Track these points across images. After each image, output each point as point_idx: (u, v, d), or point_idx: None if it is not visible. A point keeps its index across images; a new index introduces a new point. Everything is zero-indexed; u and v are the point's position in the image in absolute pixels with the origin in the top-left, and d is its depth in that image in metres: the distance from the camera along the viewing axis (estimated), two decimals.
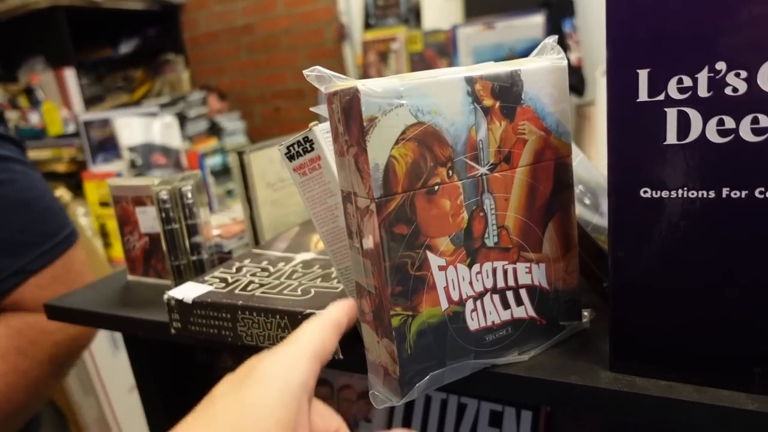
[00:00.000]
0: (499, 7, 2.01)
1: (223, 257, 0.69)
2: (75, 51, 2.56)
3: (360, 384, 0.69)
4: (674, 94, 0.32)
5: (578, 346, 0.43)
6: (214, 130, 2.66)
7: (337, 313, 0.38)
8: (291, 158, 0.45)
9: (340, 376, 0.71)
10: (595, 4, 1.95)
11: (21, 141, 0.80)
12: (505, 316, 0.41)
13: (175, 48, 2.99)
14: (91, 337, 0.84)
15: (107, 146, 2.02)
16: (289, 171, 0.46)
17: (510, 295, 0.41)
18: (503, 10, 1.99)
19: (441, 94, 0.36)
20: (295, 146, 0.44)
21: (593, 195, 0.55)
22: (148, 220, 0.67)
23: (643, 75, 0.32)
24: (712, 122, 0.31)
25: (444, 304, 0.38)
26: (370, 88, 0.33)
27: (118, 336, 1.41)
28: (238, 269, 0.57)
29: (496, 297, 0.40)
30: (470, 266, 0.39)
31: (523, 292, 0.42)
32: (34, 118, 2.47)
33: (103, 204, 1.79)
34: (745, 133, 0.30)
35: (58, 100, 2.50)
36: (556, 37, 0.41)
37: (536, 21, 1.91)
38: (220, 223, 0.78)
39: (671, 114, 0.32)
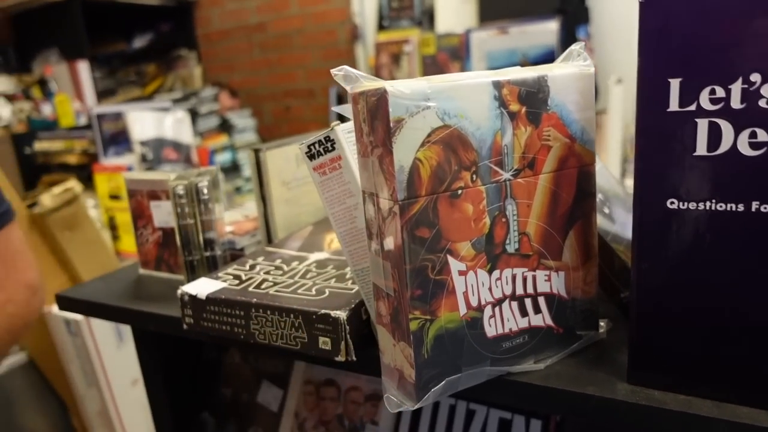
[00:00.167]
0: (513, 12, 2.00)
1: (235, 254, 0.69)
2: (89, 44, 2.57)
3: (367, 386, 0.68)
4: (706, 104, 0.31)
5: (595, 357, 0.42)
6: (225, 126, 2.67)
7: None
8: (311, 157, 0.45)
9: (347, 377, 0.70)
10: (611, 12, 1.95)
11: None
12: (523, 323, 0.41)
13: (188, 44, 3.00)
14: (32, 316, 0.83)
15: (119, 139, 2.03)
16: (308, 170, 0.45)
17: (528, 302, 0.41)
18: (518, 15, 1.98)
19: (468, 98, 0.35)
20: (316, 145, 0.44)
21: (610, 204, 0.55)
22: (162, 214, 0.67)
23: (674, 84, 0.32)
24: (745, 134, 0.30)
25: (462, 310, 0.38)
26: (398, 89, 0.33)
27: (123, 329, 1.42)
28: (252, 267, 0.57)
29: (514, 304, 0.40)
30: (490, 272, 0.39)
31: (541, 300, 0.41)
32: (46, 110, 2.48)
33: (113, 197, 1.79)
34: None
35: (71, 92, 2.51)
36: (583, 43, 0.41)
37: (551, 27, 1.90)
38: (232, 219, 0.78)
39: (702, 125, 0.32)
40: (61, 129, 2.27)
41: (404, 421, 0.64)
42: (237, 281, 0.54)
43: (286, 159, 0.70)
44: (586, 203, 0.42)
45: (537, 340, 0.41)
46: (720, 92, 0.31)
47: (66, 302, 0.67)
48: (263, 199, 0.68)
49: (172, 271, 0.69)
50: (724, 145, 0.31)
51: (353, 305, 0.45)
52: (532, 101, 0.38)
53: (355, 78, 0.35)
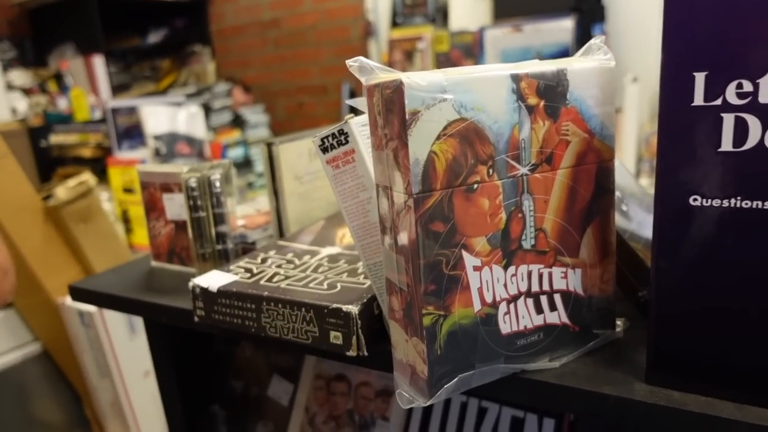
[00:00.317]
0: (528, 10, 1.98)
1: (246, 248, 0.69)
2: (104, 39, 2.59)
3: (378, 382, 0.68)
4: (732, 99, 0.30)
5: (611, 356, 0.42)
6: (238, 122, 2.68)
7: None
8: (325, 150, 0.44)
9: (358, 372, 0.70)
10: (627, 10, 1.92)
11: None
12: (538, 321, 0.40)
13: (202, 40, 3.01)
14: (2, 297, 0.83)
15: (133, 133, 2.05)
16: (321, 163, 0.45)
17: (544, 299, 0.40)
18: (532, 12, 1.96)
19: (485, 91, 0.35)
20: (330, 138, 0.44)
21: (628, 202, 0.54)
22: (174, 207, 0.67)
23: (699, 78, 0.31)
24: None
25: (477, 306, 0.37)
26: (415, 81, 0.33)
27: (136, 321, 1.43)
28: (264, 260, 0.57)
29: (529, 301, 0.39)
30: (506, 268, 0.38)
31: (557, 297, 0.40)
32: (62, 103, 2.51)
33: (127, 190, 1.81)
34: None
35: (86, 86, 2.53)
36: (603, 37, 0.40)
37: (565, 25, 1.88)
38: (244, 213, 0.78)
39: (728, 120, 0.31)
40: (76, 123, 2.29)
41: (415, 417, 0.64)
42: (248, 274, 0.53)
43: (298, 153, 0.70)
44: (605, 200, 0.41)
45: (552, 338, 0.41)
46: (747, 86, 0.30)
47: (79, 293, 0.67)
48: (275, 193, 0.68)
49: (184, 263, 0.69)
50: (751, 141, 0.30)
51: (365, 300, 0.45)
52: (550, 95, 0.37)
53: (370, 69, 0.35)
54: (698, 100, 0.31)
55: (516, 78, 0.36)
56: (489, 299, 0.38)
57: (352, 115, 0.43)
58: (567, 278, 0.40)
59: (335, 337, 0.45)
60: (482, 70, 0.35)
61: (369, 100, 0.36)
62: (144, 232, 1.85)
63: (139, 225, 1.83)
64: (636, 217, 0.54)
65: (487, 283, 0.37)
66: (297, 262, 0.56)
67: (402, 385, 0.40)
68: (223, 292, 0.51)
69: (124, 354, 1.51)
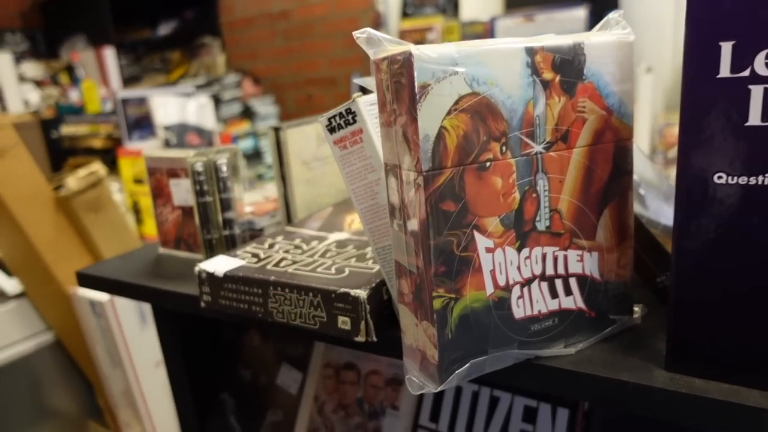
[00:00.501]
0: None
1: (254, 234, 0.68)
2: (115, 31, 2.60)
3: (388, 370, 0.67)
4: (761, 69, 0.29)
5: (629, 343, 0.40)
6: (247, 113, 2.67)
7: None
8: (332, 130, 0.43)
9: (368, 361, 0.69)
10: None
11: None
12: (553, 305, 0.39)
13: (212, 31, 3.01)
14: None
15: (143, 124, 2.05)
16: (329, 144, 0.44)
17: (559, 283, 0.39)
18: (545, 2, 1.93)
19: (499, 64, 0.33)
20: (337, 118, 0.42)
21: (645, 190, 0.52)
22: (181, 192, 0.67)
23: (726, 48, 0.29)
24: None
25: (489, 289, 0.36)
26: (425, 53, 0.31)
27: (147, 311, 1.43)
28: (271, 245, 0.56)
29: (544, 284, 0.38)
30: (519, 250, 0.37)
31: (572, 281, 0.39)
32: (73, 95, 2.52)
33: (137, 181, 1.81)
34: None
35: (98, 78, 2.54)
36: (622, 11, 0.39)
37: (578, 15, 1.85)
38: (252, 200, 0.77)
39: (756, 92, 0.29)
40: (87, 114, 2.30)
41: (425, 406, 0.63)
42: (255, 259, 0.52)
43: (306, 138, 0.68)
44: (623, 181, 0.39)
45: (567, 324, 0.39)
46: None
47: (86, 279, 0.67)
48: (283, 178, 0.67)
49: (191, 250, 0.68)
50: None
51: (374, 284, 0.44)
52: (566, 70, 0.36)
53: (378, 41, 0.34)
54: (724, 71, 0.30)
55: (531, 51, 0.34)
56: (502, 282, 0.36)
57: (360, 93, 0.42)
58: (583, 261, 0.39)
59: (343, 322, 0.44)
60: (496, 42, 0.34)
61: (377, 75, 0.35)
62: (154, 222, 1.86)
63: (150, 215, 1.84)
64: (652, 205, 0.52)
65: (500, 265, 0.36)
66: (305, 247, 0.55)
67: (412, 370, 0.39)
68: (230, 277, 0.50)
69: (136, 344, 1.52)
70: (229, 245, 0.63)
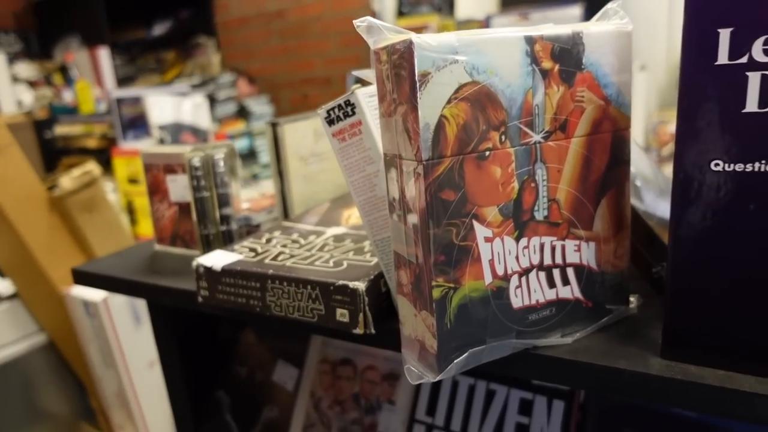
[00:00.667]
0: None
1: (251, 230, 0.68)
2: (109, 31, 2.59)
3: (384, 365, 0.67)
4: (759, 56, 0.29)
5: (625, 332, 0.40)
6: (243, 113, 2.67)
7: None
8: (331, 123, 0.43)
9: (364, 356, 0.69)
10: None
11: None
12: (550, 295, 0.39)
13: (207, 31, 3.00)
14: None
15: (138, 123, 2.04)
16: (327, 136, 0.44)
17: (557, 273, 0.39)
18: (540, 0, 1.94)
19: (498, 53, 0.34)
20: (336, 110, 0.43)
21: (642, 183, 0.52)
22: (178, 188, 0.66)
23: (724, 35, 0.29)
24: None
25: (488, 278, 0.36)
26: (425, 41, 0.32)
27: (141, 311, 1.42)
28: (268, 240, 0.56)
29: (542, 274, 0.38)
30: (518, 240, 0.37)
31: (570, 271, 0.39)
32: (67, 96, 2.50)
33: (132, 181, 1.80)
34: None
35: (92, 78, 2.53)
36: (620, 1, 0.39)
37: (573, 13, 1.86)
38: (248, 197, 0.77)
39: (754, 79, 0.29)
40: (81, 114, 2.29)
41: (422, 400, 0.63)
42: (253, 254, 0.52)
43: (303, 134, 0.68)
44: (620, 171, 0.40)
45: (565, 313, 0.40)
46: None
47: (81, 276, 0.67)
48: (280, 174, 0.67)
49: (187, 246, 0.68)
50: None
51: (372, 277, 0.44)
52: (565, 59, 0.36)
53: (379, 30, 0.34)
54: (722, 58, 0.30)
55: (530, 40, 0.34)
56: (500, 272, 0.37)
57: (359, 85, 0.42)
58: (580, 251, 0.39)
59: (342, 314, 0.44)
60: (495, 31, 0.34)
61: (377, 65, 0.35)
62: (149, 222, 1.85)
63: (144, 216, 1.83)
64: (647, 198, 0.52)
65: (499, 255, 0.36)
66: (302, 241, 0.55)
67: (410, 361, 0.39)
68: (228, 271, 0.50)
69: (129, 344, 1.51)
70: (226, 241, 0.63)
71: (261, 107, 2.75)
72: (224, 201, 0.62)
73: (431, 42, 0.32)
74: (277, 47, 2.89)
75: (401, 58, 0.32)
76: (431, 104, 0.32)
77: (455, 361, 0.36)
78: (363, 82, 0.42)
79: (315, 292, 0.45)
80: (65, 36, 2.70)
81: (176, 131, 1.95)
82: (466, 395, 0.60)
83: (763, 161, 0.30)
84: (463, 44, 0.33)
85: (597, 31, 0.37)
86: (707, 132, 0.31)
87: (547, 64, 0.35)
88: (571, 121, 0.37)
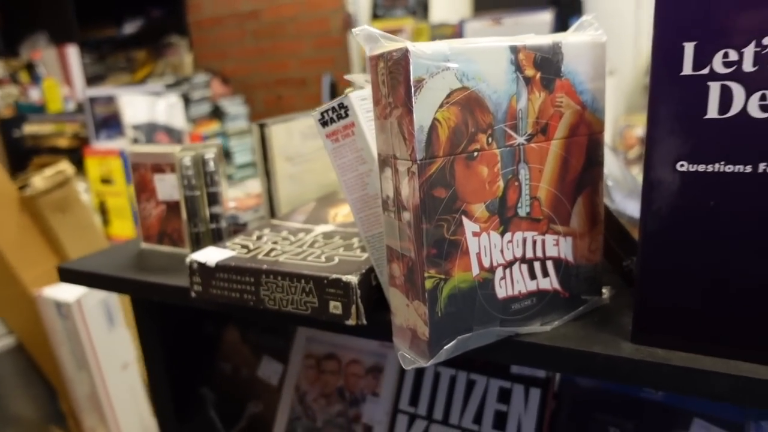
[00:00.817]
0: (507, 3, 2.02)
1: (238, 229, 0.70)
2: (79, 29, 2.54)
3: (368, 359, 0.69)
4: (719, 68, 0.32)
5: (599, 320, 0.44)
6: (217, 113, 2.65)
7: None
8: (324, 124, 0.45)
9: (348, 351, 0.71)
10: (604, 3, 1.97)
11: None
12: (531, 286, 0.42)
13: (179, 31, 2.97)
14: None
15: (111, 123, 2.01)
16: (321, 137, 0.46)
17: (537, 265, 0.42)
18: (512, 5, 2.00)
19: (486, 61, 0.36)
20: (330, 112, 0.45)
21: (613, 183, 0.56)
22: (166, 187, 0.67)
23: (689, 48, 0.33)
24: (755, 97, 0.32)
25: (475, 270, 0.39)
26: (420, 49, 0.34)
27: (115, 312, 1.41)
28: (259, 237, 0.58)
29: (524, 267, 0.41)
30: (502, 234, 0.40)
31: (549, 264, 0.42)
32: (34, 94, 2.45)
33: (105, 181, 1.78)
34: None
35: (60, 77, 2.48)
36: (595, 13, 0.42)
37: (544, 18, 1.92)
38: (234, 196, 0.79)
39: (714, 88, 0.33)
40: (49, 114, 2.24)
41: (405, 391, 0.65)
42: (245, 250, 0.54)
43: (290, 134, 0.70)
44: (594, 171, 0.43)
45: (544, 303, 0.43)
46: (733, 55, 0.32)
47: (68, 274, 0.67)
48: (267, 174, 0.68)
49: (175, 244, 0.69)
50: (735, 108, 0.32)
51: (363, 271, 0.46)
52: (546, 67, 0.39)
53: (375, 38, 0.36)
54: (687, 69, 0.33)
55: (515, 49, 0.37)
56: (486, 264, 0.39)
57: (352, 88, 0.44)
58: (558, 246, 0.42)
59: (335, 307, 0.46)
60: (483, 41, 0.37)
61: (372, 71, 0.38)
62: (121, 223, 1.83)
63: (117, 216, 1.81)
64: (617, 198, 0.56)
65: (485, 248, 0.39)
66: (292, 239, 0.57)
67: (402, 348, 0.41)
68: (222, 267, 0.51)
69: (102, 346, 1.49)
70: (216, 238, 0.65)
71: (235, 108, 2.73)
72: (214, 199, 0.63)
73: (426, 50, 0.34)
74: (251, 48, 2.89)
75: (397, 65, 0.35)
76: (425, 108, 0.35)
77: (445, 348, 0.39)
78: (348, 84, 0.45)
79: (309, 286, 0.47)
80: (32, 33, 2.64)
81: (150, 131, 1.93)
82: (448, 385, 0.63)
83: (722, 162, 0.34)
84: (455, 53, 0.35)
85: (574, 41, 0.40)
86: (674, 136, 0.35)
87: (530, 71, 0.38)
88: (551, 125, 0.40)
